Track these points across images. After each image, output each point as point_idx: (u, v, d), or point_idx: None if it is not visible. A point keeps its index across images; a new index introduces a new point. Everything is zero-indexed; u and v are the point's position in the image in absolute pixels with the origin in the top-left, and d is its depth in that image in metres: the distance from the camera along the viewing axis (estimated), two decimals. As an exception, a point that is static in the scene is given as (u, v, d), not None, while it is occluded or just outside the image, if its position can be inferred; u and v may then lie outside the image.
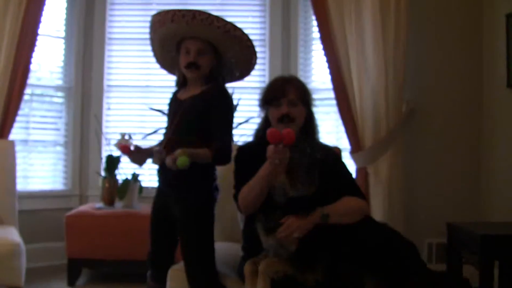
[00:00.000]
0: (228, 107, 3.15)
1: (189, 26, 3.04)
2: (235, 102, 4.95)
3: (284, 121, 2.86)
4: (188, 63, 3.10)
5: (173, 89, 3.35)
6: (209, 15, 3.03)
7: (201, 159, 2.96)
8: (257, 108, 3.12)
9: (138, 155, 3.13)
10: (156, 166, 3.23)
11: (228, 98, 3.16)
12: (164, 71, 3.51)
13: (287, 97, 2.88)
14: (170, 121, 3.23)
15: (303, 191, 2.60)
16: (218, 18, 3.04)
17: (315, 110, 3.03)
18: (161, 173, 3.19)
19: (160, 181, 3.23)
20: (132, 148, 3.07)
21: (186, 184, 3.04)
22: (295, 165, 2.59)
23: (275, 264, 2.64)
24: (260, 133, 2.95)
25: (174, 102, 3.26)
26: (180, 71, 3.22)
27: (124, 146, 3.07)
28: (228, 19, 3.09)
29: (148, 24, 3.25)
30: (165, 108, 3.41)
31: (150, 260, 3.30)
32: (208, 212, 3.12)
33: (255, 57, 3.25)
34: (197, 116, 3.07)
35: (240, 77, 3.38)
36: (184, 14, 3.02)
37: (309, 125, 2.99)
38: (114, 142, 5.00)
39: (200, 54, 3.09)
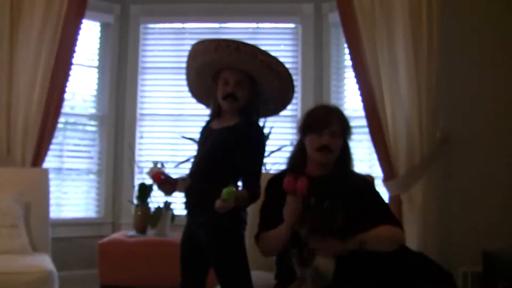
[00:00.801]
0: (258, 143, 3.07)
1: (231, 57, 2.98)
2: (267, 131, 4.98)
3: (323, 151, 2.86)
4: (226, 94, 3.04)
5: (206, 118, 3.30)
6: (254, 47, 3.00)
7: (241, 202, 2.89)
8: (289, 137, 3.10)
9: (168, 185, 3.11)
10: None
11: (259, 133, 3.10)
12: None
13: (330, 128, 2.88)
14: (199, 149, 3.22)
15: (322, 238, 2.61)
16: (262, 51, 3.00)
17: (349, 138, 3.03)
18: (186, 200, 3.14)
19: (185, 208, 3.17)
20: (162, 177, 3.05)
21: (209, 208, 2.81)
22: (312, 218, 2.61)
23: None
24: (294, 161, 2.95)
25: (206, 130, 3.22)
26: (215, 102, 3.16)
27: (156, 174, 3.06)
28: (261, 48, 3.05)
29: (181, 53, 3.23)
30: (197, 136, 3.38)
31: None
32: (234, 234, 3.03)
33: (292, 93, 3.19)
34: (225, 148, 3.01)
35: (275, 111, 3.33)
36: (228, 45, 2.97)
37: (345, 156, 2.98)
38: (146, 170, 5.02)
39: (238, 85, 3.04)
